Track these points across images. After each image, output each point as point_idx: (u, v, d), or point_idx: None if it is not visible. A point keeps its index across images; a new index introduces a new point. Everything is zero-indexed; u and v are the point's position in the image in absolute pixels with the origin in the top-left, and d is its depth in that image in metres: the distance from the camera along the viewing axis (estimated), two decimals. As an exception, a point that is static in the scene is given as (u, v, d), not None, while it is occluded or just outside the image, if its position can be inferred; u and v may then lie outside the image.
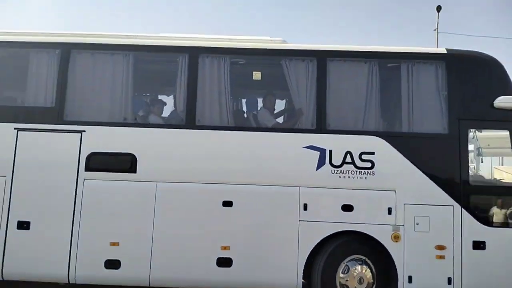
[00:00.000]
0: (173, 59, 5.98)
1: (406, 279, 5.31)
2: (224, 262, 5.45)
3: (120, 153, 5.70)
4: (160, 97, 6.52)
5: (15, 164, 5.67)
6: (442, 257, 5.31)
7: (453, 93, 5.60)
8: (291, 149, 5.62)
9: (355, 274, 5.45)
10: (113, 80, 5.90)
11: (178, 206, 5.58)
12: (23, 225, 5.56)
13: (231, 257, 5.46)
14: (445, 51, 5.78)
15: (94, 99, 5.92)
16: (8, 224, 5.57)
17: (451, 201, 5.39)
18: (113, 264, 5.48)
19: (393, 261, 5.34)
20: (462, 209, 5.37)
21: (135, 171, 5.63)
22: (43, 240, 5.55)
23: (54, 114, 5.78)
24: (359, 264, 5.49)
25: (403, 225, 5.40)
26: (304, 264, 5.42)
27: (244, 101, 6.44)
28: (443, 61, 5.70)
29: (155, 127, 5.94)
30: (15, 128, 5.76)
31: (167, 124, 6.04)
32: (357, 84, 5.76)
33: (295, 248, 5.44)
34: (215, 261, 5.46)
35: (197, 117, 5.73)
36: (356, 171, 5.51)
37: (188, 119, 5.74)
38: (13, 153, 5.68)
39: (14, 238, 5.55)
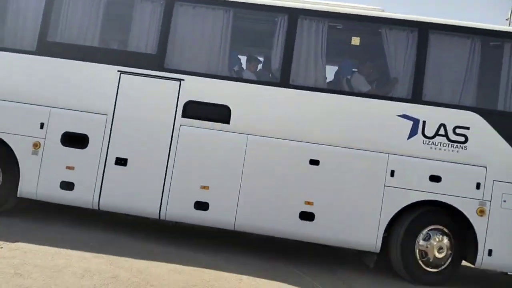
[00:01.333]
0: (272, 18, 6.13)
1: (486, 252, 5.40)
2: (307, 216, 5.69)
3: (216, 104, 5.95)
4: (256, 55, 6.68)
5: (116, 104, 6.02)
6: (525, 235, 5.37)
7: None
8: (384, 116, 5.71)
9: (435, 243, 5.58)
10: (213, 35, 6.12)
11: (267, 159, 5.80)
12: (121, 162, 5.94)
13: (314, 212, 5.67)
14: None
15: (194, 50, 6.16)
16: (107, 160, 5.97)
17: (540, 182, 5.41)
18: (202, 205, 5.81)
19: (475, 234, 5.43)
20: (550, 190, 5.38)
21: (228, 122, 5.89)
22: (138, 177, 5.92)
23: (156, 61, 6.07)
24: (440, 234, 5.60)
25: (490, 201, 5.45)
26: (385, 228, 5.59)
27: (339, 65, 6.50)
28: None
29: (250, 82, 6.14)
30: (118, 71, 6.10)
31: (262, 81, 6.21)
32: (458, 58, 5.75)
33: (378, 211, 5.59)
34: (298, 214, 5.70)
35: (291, 77, 5.90)
36: (449, 143, 5.57)
37: (283, 78, 5.92)
38: (115, 94, 6.03)
39: (112, 173, 5.95)
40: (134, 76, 6.07)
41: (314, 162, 5.72)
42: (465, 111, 5.64)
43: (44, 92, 6.11)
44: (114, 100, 6.05)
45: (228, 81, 6.06)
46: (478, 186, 5.48)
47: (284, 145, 5.81)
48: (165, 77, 6.02)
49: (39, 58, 6.15)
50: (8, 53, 6.18)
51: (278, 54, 5.98)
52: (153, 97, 6.05)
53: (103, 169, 5.98)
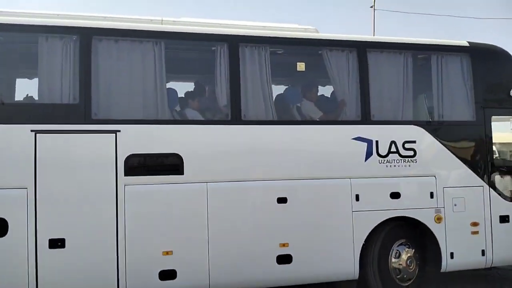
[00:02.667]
0: (210, 48, 5.53)
1: (449, 255, 5.79)
2: (284, 259, 5.36)
3: (164, 153, 5.19)
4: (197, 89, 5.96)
5: (36, 173, 4.80)
6: (476, 232, 5.89)
7: (477, 84, 6.11)
8: (340, 141, 5.65)
9: (405, 257, 5.79)
10: (144, 72, 5.27)
11: (232, 206, 5.30)
12: (57, 243, 4.81)
13: (290, 253, 5.38)
14: (468, 44, 6.24)
15: (125, 93, 5.24)
16: (38, 244, 4.77)
17: (481, 182, 5.98)
18: (168, 274, 5.03)
19: (437, 241, 5.78)
20: (490, 188, 6.00)
21: (182, 173, 5.18)
22: (83, 257, 4.85)
23: (80, 112, 5.01)
24: (407, 247, 5.84)
25: (443, 207, 5.83)
26: (359, 253, 5.59)
27: (285, 93, 6.19)
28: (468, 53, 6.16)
29: (199, 123, 5.49)
30: (32, 130, 4.87)
31: (211, 120, 5.60)
32: (395, 74, 5.94)
33: (351, 238, 5.56)
34: (275, 259, 5.35)
35: (242, 112, 5.44)
36: (401, 159, 5.76)
37: (234, 114, 5.41)
38: (33, 160, 4.82)
39: (47, 259, 4.78)
40: (52, 134, 4.93)
41: (282, 200, 5.41)
42: (408, 125, 5.90)
43: None
44: (33, 167, 4.85)
45: (174, 125, 5.34)
46: (432, 195, 5.81)
47: (248, 187, 5.37)
48: (95, 130, 5.03)
49: None
50: None
51: (223, 88, 5.44)
52: (84, 157, 5.01)
53: (34, 256, 4.77)
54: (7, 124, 4.84)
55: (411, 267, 5.81)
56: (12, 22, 5.04)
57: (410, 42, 6.05)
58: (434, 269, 5.91)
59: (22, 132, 4.86)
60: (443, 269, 5.79)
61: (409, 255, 5.82)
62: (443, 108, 6.02)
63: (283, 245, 5.38)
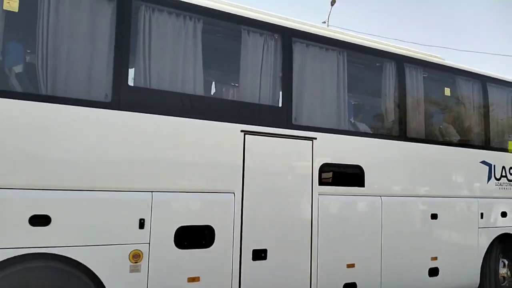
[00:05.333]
0: (380, 64, 5.63)
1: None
2: (433, 272, 5.69)
3: (349, 165, 5.12)
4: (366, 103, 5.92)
5: (244, 176, 4.39)
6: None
7: None
8: (471, 163, 6.19)
9: (506, 267, 6.55)
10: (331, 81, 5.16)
11: (398, 221, 5.45)
12: (260, 255, 4.42)
13: (438, 266, 5.72)
14: None
15: (320, 101, 5.05)
16: (242, 256, 4.33)
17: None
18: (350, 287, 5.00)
19: None
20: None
21: (363, 185, 5.18)
22: (282, 270, 4.56)
23: (283, 117, 4.71)
24: (506, 259, 6.58)
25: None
26: (480, 265, 6.18)
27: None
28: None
29: (377, 137, 5.51)
30: (241, 131, 4.42)
31: (387, 135, 5.64)
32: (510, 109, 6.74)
33: (476, 252, 6.12)
34: (427, 272, 5.64)
35: (408, 130, 5.64)
36: (508, 183, 6.54)
37: (401, 131, 5.60)
38: (242, 162, 4.38)
39: (250, 272, 4.36)
40: (259, 136, 4.53)
41: (434, 216, 5.74)
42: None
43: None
44: (242, 170, 4.39)
45: (358, 137, 5.30)
46: None
47: (409, 203, 5.57)
48: (295, 136, 4.75)
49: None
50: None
51: (392, 105, 5.61)
52: (284, 163, 4.70)
53: (238, 268, 4.32)
54: (217, 121, 4.34)
55: (510, 276, 6.61)
56: (217, 8, 4.53)
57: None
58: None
59: (232, 131, 4.40)
60: None
61: (508, 265, 6.62)
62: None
63: (434, 258, 5.71)
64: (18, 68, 3.76)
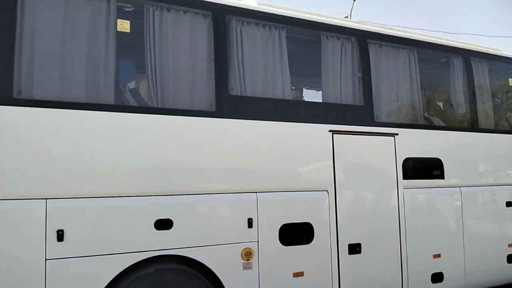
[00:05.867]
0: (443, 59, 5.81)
1: None
2: (511, 259, 5.79)
3: (429, 158, 5.27)
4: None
5: (335, 174, 4.59)
6: None
7: None
8: None
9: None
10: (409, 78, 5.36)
11: (476, 210, 5.56)
12: (356, 249, 4.62)
13: (515, 253, 5.83)
14: None
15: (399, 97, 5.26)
16: (339, 250, 4.53)
17: None
18: (437, 277, 5.11)
19: None
20: None
21: (443, 177, 5.32)
22: (375, 263, 4.75)
23: (366, 114, 4.90)
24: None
25: None
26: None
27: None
28: None
29: (453, 130, 5.64)
30: (329, 131, 4.62)
31: (462, 127, 5.76)
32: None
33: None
34: (505, 258, 5.73)
35: (479, 121, 5.79)
36: None
37: (473, 123, 5.75)
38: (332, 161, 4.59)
39: (347, 267, 4.57)
40: (345, 135, 4.73)
41: (509, 204, 5.83)
42: None
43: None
44: (332, 169, 4.59)
45: (436, 131, 5.46)
46: None
47: (484, 191, 5.68)
48: (378, 133, 4.93)
49: None
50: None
51: (463, 99, 5.76)
52: (370, 160, 4.88)
53: (337, 264, 4.51)
54: (308, 123, 4.55)
55: None
56: (297, 16, 4.77)
57: None
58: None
59: (321, 132, 4.60)
60: None
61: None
62: None
63: (510, 245, 5.80)
64: (132, 84, 4.04)
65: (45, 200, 3.38)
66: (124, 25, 3.83)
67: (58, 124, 3.52)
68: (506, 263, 5.74)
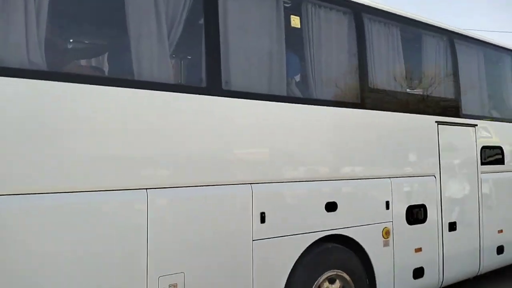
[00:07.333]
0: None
1: None
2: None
3: (495, 146, 6.04)
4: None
5: (440, 161, 5.17)
6: None
7: None
8: None
9: None
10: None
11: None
12: (453, 227, 5.26)
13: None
14: None
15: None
16: (443, 228, 5.14)
17: None
18: (500, 250, 5.93)
19: None
20: None
21: (503, 163, 6.13)
22: (466, 239, 5.46)
23: (456, 107, 5.54)
24: None
25: None
26: None
27: None
28: None
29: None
30: (436, 122, 5.17)
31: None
32: None
33: None
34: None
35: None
36: None
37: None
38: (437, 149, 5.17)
39: (447, 243, 5.19)
40: (448, 126, 5.33)
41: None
42: None
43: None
44: (438, 157, 5.17)
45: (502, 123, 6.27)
46: None
47: None
48: (464, 123, 5.58)
49: None
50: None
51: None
52: (459, 148, 5.52)
53: (441, 240, 5.12)
54: (416, 114, 5.08)
55: None
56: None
57: None
58: None
59: (428, 122, 5.14)
60: None
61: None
62: None
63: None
64: (297, 78, 4.27)
65: (250, 185, 3.59)
66: (295, 21, 4.04)
67: (255, 115, 3.71)
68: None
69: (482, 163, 5.76)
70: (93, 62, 4.49)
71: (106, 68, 4.15)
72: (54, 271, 2.74)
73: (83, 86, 2.93)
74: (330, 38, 4.43)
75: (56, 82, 2.83)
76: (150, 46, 3.31)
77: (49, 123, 2.78)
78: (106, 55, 4.33)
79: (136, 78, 3.22)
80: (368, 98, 4.59)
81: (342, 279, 4.17)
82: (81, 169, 2.86)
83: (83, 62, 3.86)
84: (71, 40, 4.36)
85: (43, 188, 2.72)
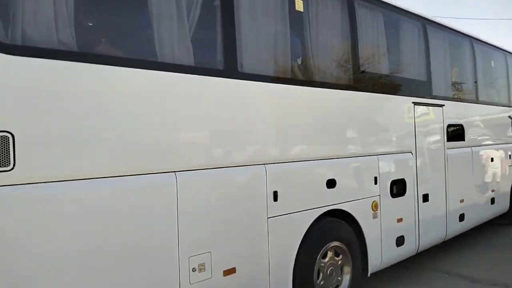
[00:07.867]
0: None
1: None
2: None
3: (457, 124, 6.61)
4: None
5: (416, 139, 5.63)
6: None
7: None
8: None
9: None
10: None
11: (483, 161, 7.30)
12: (426, 198, 5.75)
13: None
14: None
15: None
16: (418, 200, 5.63)
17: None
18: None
19: None
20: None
21: (464, 139, 6.74)
22: (436, 208, 6.02)
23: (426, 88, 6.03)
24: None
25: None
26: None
27: None
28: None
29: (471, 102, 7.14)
30: (412, 102, 5.58)
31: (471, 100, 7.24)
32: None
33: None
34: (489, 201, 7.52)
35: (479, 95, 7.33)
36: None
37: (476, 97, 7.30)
38: (413, 128, 5.60)
39: (422, 212, 5.70)
40: (423, 106, 5.77)
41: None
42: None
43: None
44: (414, 134, 5.59)
45: (462, 103, 6.89)
46: None
47: (492, 150, 7.51)
48: (430, 103, 6.05)
49: None
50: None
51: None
52: (431, 125, 6.00)
53: (417, 211, 5.59)
54: (394, 95, 5.47)
55: None
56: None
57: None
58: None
59: (407, 103, 5.54)
60: None
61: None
62: None
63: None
64: (299, 60, 4.41)
65: (264, 165, 3.73)
66: (299, 5, 4.16)
67: (268, 96, 3.84)
68: (490, 204, 7.56)
69: (448, 140, 6.31)
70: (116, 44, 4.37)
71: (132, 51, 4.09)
72: (92, 255, 2.76)
73: (106, 67, 2.90)
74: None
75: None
76: (171, 29, 3.30)
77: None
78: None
79: (159, 60, 3.21)
80: (361, 81, 4.88)
81: (340, 249, 4.49)
82: (116, 155, 2.87)
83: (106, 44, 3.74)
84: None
85: (75, 175, 2.71)
